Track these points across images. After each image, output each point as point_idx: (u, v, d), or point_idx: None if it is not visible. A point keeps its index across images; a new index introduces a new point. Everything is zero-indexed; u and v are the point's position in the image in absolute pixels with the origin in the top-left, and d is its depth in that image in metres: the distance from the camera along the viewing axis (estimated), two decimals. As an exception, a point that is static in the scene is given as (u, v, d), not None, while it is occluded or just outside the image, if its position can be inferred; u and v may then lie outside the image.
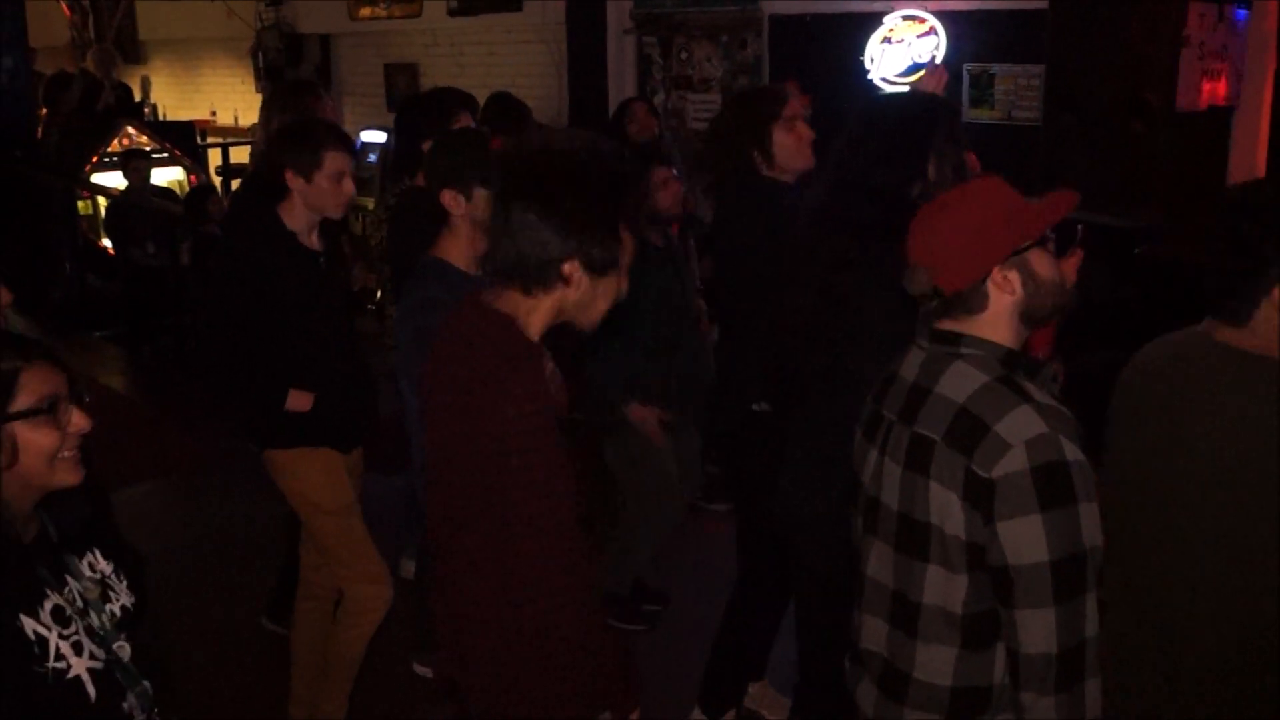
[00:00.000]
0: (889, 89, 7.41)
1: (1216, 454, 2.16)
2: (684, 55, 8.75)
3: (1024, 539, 1.90)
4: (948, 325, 2.10)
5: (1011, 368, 2.04)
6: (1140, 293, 5.59)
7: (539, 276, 2.09)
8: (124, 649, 1.99)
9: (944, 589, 2.02)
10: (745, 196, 3.62)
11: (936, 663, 2.05)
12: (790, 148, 3.58)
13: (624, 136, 5.76)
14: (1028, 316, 2.08)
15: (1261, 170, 6.35)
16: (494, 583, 2.12)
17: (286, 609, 4.12)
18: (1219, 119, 6.38)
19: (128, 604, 2.06)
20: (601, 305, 2.17)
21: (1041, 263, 2.08)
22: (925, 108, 3.19)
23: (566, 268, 2.08)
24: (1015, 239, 2.05)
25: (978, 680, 2.03)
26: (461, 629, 2.24)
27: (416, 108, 4.58)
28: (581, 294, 2.12)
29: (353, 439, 3.81)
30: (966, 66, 7.36)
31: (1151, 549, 2.28)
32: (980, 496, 1.93)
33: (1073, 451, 1.92)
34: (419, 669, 4.36)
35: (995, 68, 7.28)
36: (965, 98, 7.38)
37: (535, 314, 2.13)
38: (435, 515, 2.31)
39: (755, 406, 3.56)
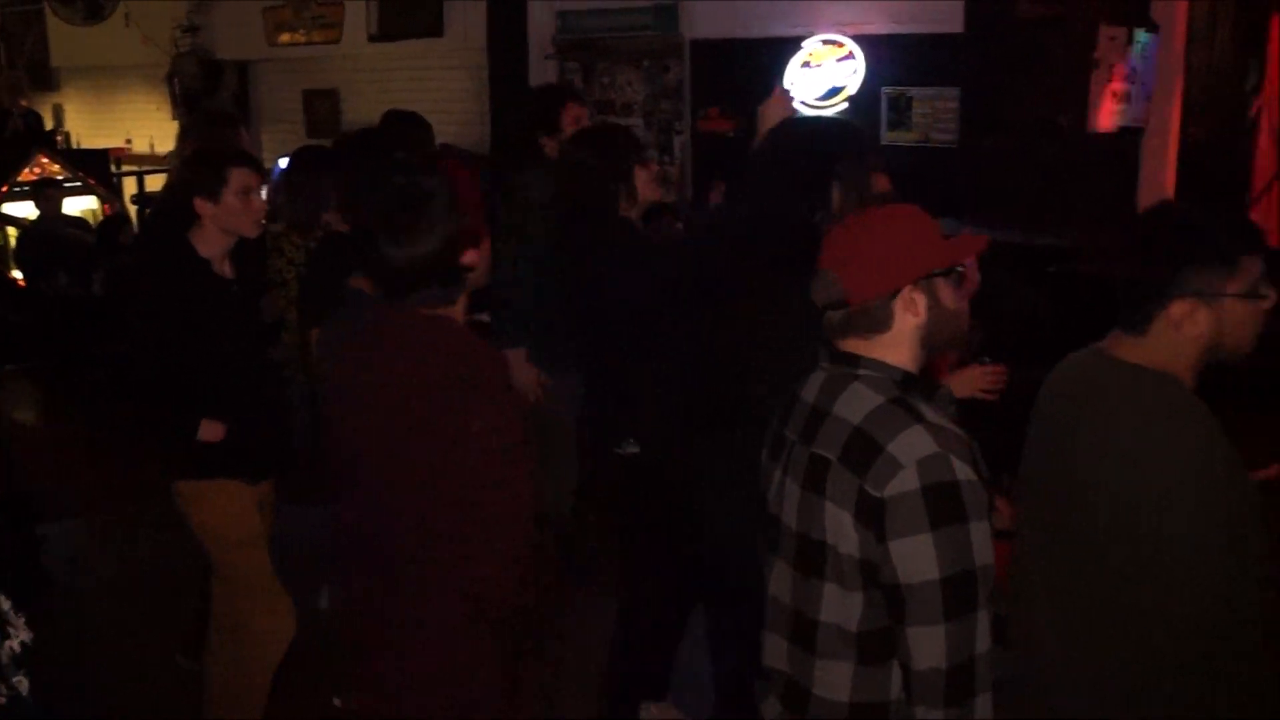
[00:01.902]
0: (808, 112, 7.50)
1: (1109, 468, 2.19)
2: (606, 80, 8.78)
3: (915, 558, 1.91)
4: (849, 346, 2.11)
5: (907, 389, 2.05)
6: (1056, 308, 5.69)
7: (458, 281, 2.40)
8: (23, 683, 1.96)
9: (840, 607, 2.03)
10: (620, 237, 3.62)
11: (835, 679, 2.06)
12: (649, 185, 3.64)
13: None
14: (927, 341, 2.10)
15: (1170, 189, 6.48)
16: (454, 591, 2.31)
17: (202, 645, 4.05)
18: (1129, 140, 6.50)
19: (26, 640, 2.03)
20: (484, 267, 2.53)
21: (947, 292, 2.10)
22: (828, 135, 3.23)
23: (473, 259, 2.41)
24: (929, 262, 2.07)
25: (875, 695, 2.04)
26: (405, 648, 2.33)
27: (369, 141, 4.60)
28: (478, 270, 2.48)
29: (265, 470, 3.76)
30: (885, 90, 7.46)
31: (1061, 563, 2.31)
32: (872, 516, 1.94)
33: (964, 471, 1.93)
34: (337, 701, 4.28)
35: (913, 91, 7.39)
36: (884, 121, 7.48)
37: (459, 313, 2.43)
38: (382, 536, 2.38)
39: (620, 449, 3.54)
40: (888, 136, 7.45)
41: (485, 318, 4.55)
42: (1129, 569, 2.15)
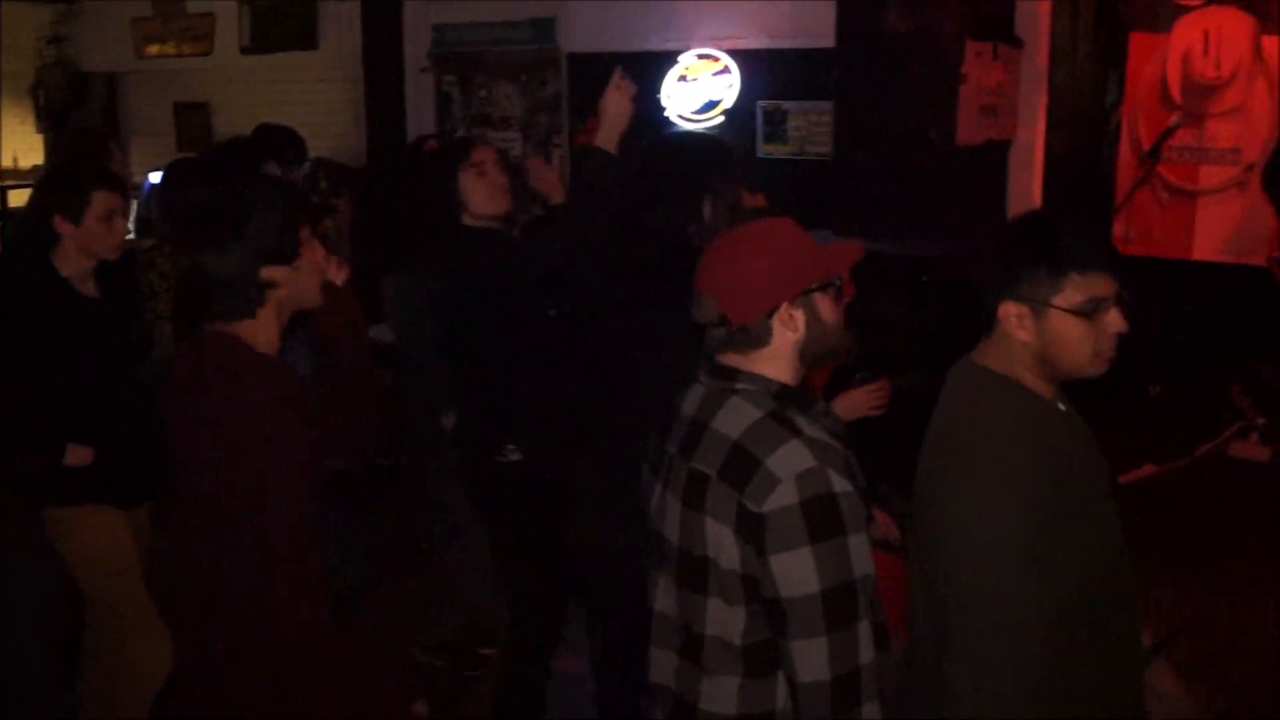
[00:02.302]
0: (685, 126, 7.56)
1: (946, 470, 2.23)
2: (484, 93, 8.72)
3: (795, 571, 1.94)
4: (728, 360, 2.14)
5: (785, 403, 2.08)
6: (930, 316, 5.81)
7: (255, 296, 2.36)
8: None
9: (724, 621, 2.05)
10: (461, 246, 3.56)
11: (721, 693, 2.08)
12: (482, 193, 3.55)
13: None
14: (806, 355, 2.14)
15: (1037, 199, 6.68)
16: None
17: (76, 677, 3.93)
18: (996, 152, 6.67)
19: None
20: (313, 283, 2.47)
21: (825, 305, 2.14)
22: (699, 150, 3.27)
23: (265, 274, 2.36)
24: (805, 279, 2.12)
25: (761, 707, 2.06)
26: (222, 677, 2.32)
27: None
28: (291, 286, 2.40)
29: (137, 495, 3.65)
30: (760, 104, 7.56)
31: (922, 570, 2.33)
32: (752, 530, 1.96)
33: (841, 484, 1.97)
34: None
35: (788, 105, 7.50)
36: (759, 134, 7.58)
37: (263, 329, 2.39)
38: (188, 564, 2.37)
39: (503, 456, 3.52)
40: (763, 150, 7.55)
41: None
42: (956, 571, 2.16)
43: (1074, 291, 2.14)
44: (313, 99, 9.61)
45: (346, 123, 9.29)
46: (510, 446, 3.45)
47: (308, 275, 2.45)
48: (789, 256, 2.12)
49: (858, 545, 1.97)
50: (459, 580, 4.57)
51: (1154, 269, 6.29)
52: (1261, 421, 5.93)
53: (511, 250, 3.52)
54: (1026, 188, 6.78)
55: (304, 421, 2.30)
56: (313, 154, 5.58)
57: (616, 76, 3.50)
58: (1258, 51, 6.15)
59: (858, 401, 3.26)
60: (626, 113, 3.45)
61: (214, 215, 2.36)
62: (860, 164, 6.58)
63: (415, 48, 8.86)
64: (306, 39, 9.33)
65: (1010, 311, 2.19)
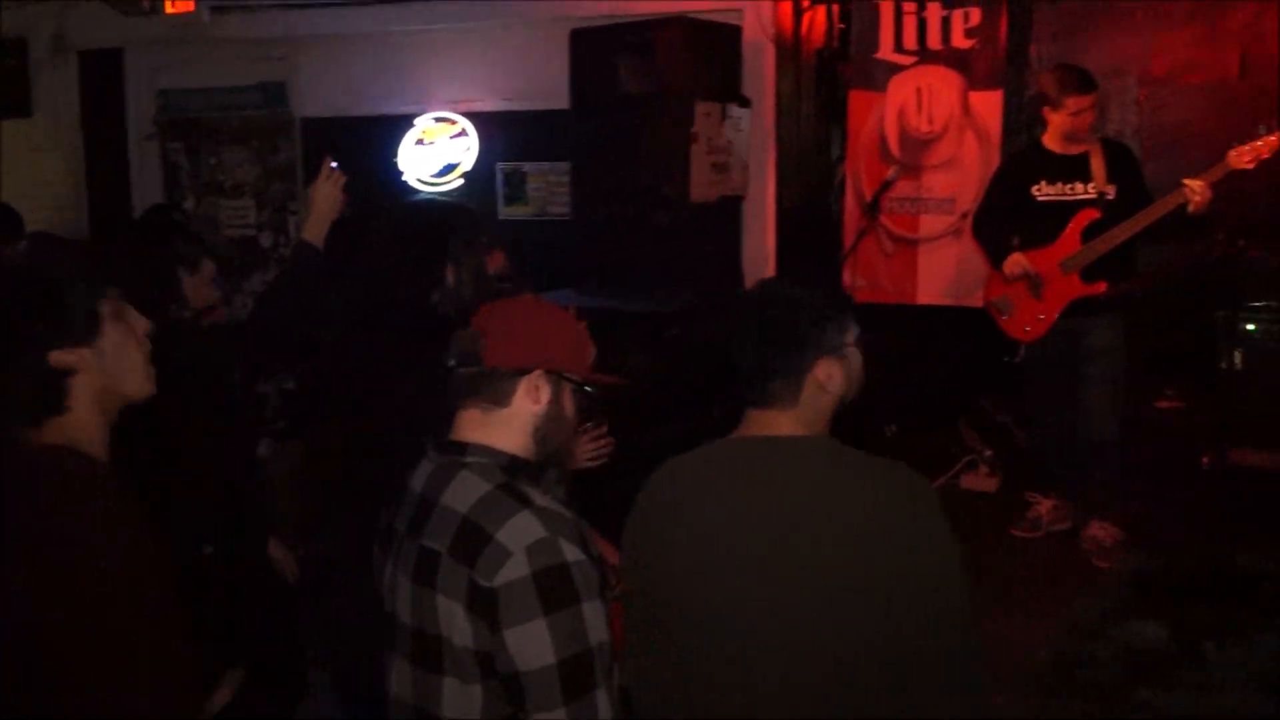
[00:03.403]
0: (425, 190, 7.52)
1: (844, 549, 2.15)
2: (214, 160, 8.46)
3: (530, 644, 1.92)
4: (461, 424, 2.14)
5: (515, 474, 2.07)
6: (675, 372, 5.90)
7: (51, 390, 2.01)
8: None
9: (461, 701, 2.01)
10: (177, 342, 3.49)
11: None
12: (196, 288, 3.50)
13: None
14: (539, 435, 2.15)
15: (771, 251, 6.91)
16: None
17: None
18: (730, 208, 6.87)
19: None
20: (130, 369, 2.11)
21: (570, 401, 2.18)
22: (438, 216, 3.28)
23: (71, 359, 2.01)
24: (567, 362, 2.17)
25: None
26: None
27: None
28: (104, 366, 2.06)
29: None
30: (500, 165, 7.60)
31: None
32: (485, 606, 1.94)
33: (572, 553, 1.97)
34: None
35: (527, 166, 7.56)
36: (500, 196, 7.61)
37: (85, 425, 2.04)
38: None
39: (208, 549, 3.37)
40: (505, 211, 7.59)
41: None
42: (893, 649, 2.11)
43: (851, 324, 2.31)
44: (29, 169, 9.09)
45: (66, 193, 8.84)
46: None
47: (119, 357, 2.10)
48: (564, 336, 2.19)
49: (592, 613, 1.97)
50: None
51: (882, 314, 6.58)
52: (988, 453, 6.26)
53: (203, 338, 3.45)
54: (761, 241, 7.01)
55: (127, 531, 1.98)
56: (31, 227, 5.30)
57: (326, 167, 3.50)
58: (966, 107, 6.55)
59: (580, 449, 3.25)
60: (336, 202, 3.47)
61: None
62: (599, 223, 6.69)
63: (139, 113, 8.54)
64: (19, 106, 8.83)
65: (825, 368, 2.24)
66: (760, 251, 7.01)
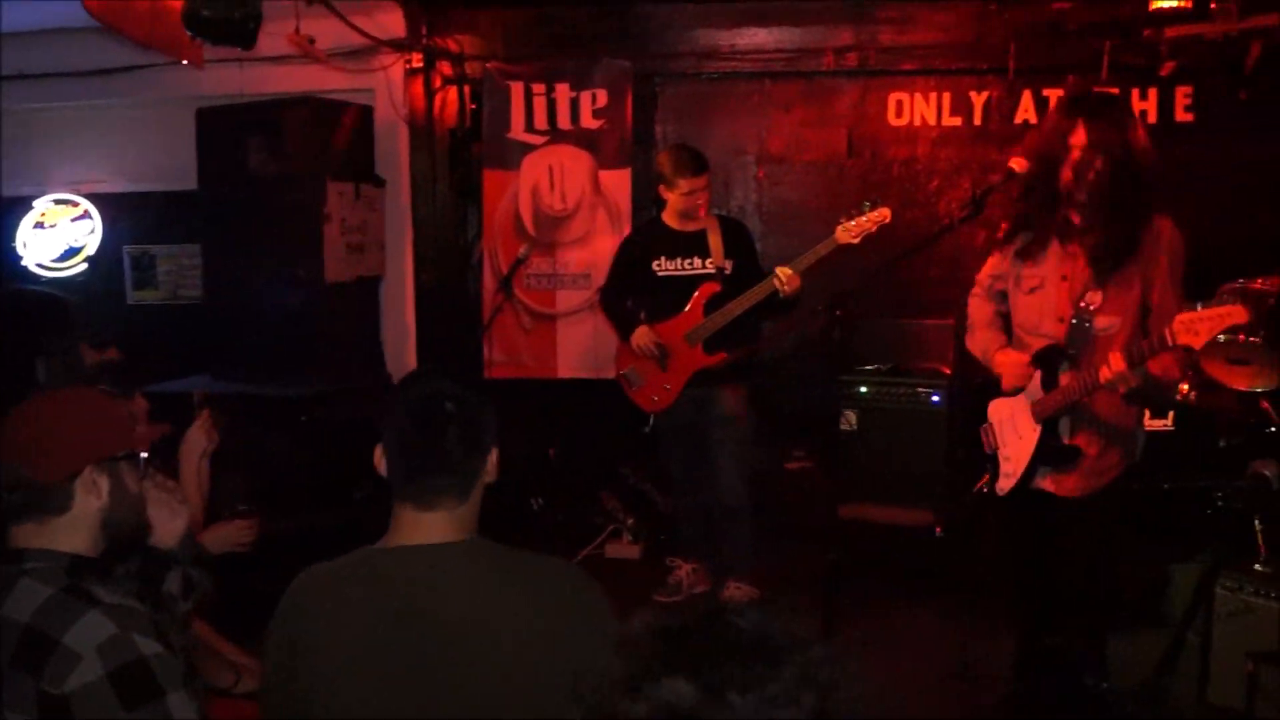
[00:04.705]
0: (44, 275, 7.15)
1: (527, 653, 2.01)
2: None
3: None
4: (21, 535, 2.04)
5: (80, 574, 2.01)
6: (309, 455, 5.79)
7: None
8: None
9: None
10: None
11: None
12: None
13: None
14: (111, 524, 2.10)
15: (411, 330, 6.91)
16: None
17: None
18: (368, 287, 6.84)
19: None
20: None
21: (131, 476, 2.14)
22: (30, 310, 3.19)
23: None
24: (111, 446, 2.11)
25: None
26: None
27: None
28: None
29: None
30: (127, 249, 7.31)
31: None
32: (59, 715, 1.85)
33: (149, 646, 1.91)
34: None
35: (156, 249, 7.31)
36: (129, 280, 7.31)
37: None
38: None
39: None
40: (134, 296, 7.31)
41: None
42: None
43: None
44: None
45: None
46: None
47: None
48: (93, 424, 2.13)
49: (178, 703, 1.91)
50: None
51: (524, 389, 6.67)
52: (630, 521, 6.41)
53: None
54: (400, 319, 7.01)
55: None
56: None
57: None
58: (597, 185, 6.77)
59: (230, 535, 3.21)
60: None
61: None
62: (232, 306, 6.51)
63: None
64: None
65: (493, 460, 2.15)
66: (400, 331, 7.00)
